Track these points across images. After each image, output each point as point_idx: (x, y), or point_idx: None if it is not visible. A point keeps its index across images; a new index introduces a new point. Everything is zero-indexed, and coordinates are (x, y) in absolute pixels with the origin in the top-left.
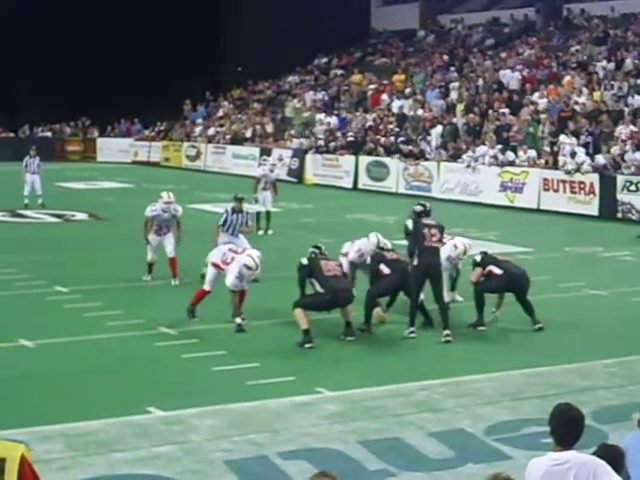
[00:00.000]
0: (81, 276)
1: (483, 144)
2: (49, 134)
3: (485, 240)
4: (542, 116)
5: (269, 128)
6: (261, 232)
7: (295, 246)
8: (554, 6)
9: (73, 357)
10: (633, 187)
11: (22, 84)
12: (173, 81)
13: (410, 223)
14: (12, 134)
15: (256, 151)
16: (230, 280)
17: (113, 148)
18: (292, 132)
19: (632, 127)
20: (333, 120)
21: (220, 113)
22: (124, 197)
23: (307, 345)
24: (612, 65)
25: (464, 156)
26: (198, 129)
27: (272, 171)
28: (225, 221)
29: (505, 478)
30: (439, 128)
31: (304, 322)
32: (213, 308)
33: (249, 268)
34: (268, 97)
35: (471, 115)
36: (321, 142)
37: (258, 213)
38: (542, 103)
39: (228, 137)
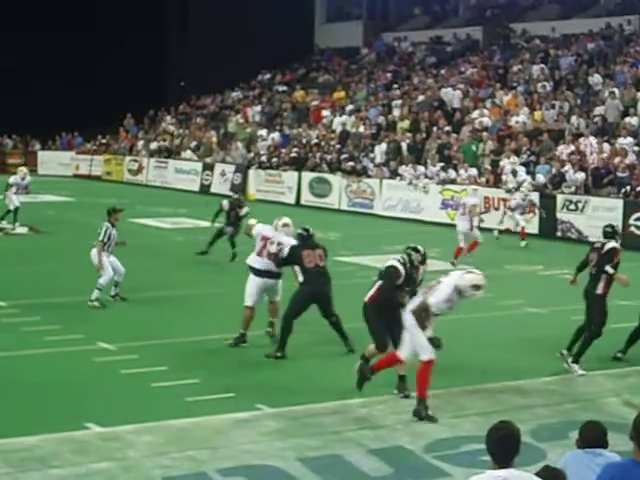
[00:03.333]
0: (20, 290)
1: (425, 162)
2: None
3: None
4: (484, 134)
5: (214, 142)
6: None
7: (237, 262)
8: (498, 25)
9: (10, 372)
10: (572, 206)
11: None
12: (115, 94)
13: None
14: None
15: (198, 166)
16: (437, 300)
17: (54, 161)
18: (233, 147)
19: (572, 147)
20: (276, 136)
21: (162, 127)
22: (65, 211)
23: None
24: (552, 85)
25: (405, 174)
26: (140, 143)
27: (23, 179)
28: (109, 237)
29: None
30: (383, 146)
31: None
32: (153, 324)
33: (477, 288)
34: (211, 112)
35: (412, 133)
36: (263, 158)
37: (9, 211)
38: (482, 122)
39: (170, 151)
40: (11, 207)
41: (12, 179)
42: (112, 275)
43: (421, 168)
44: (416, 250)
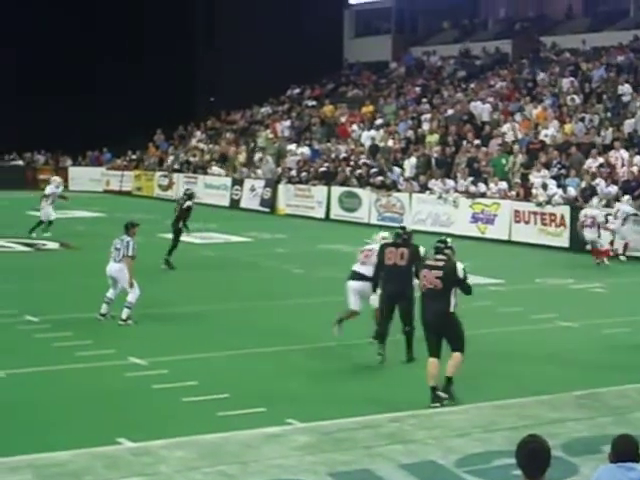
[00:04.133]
0: (52, 305)
1: (455, 176)
2: (21, 162)
3: None
4: (515, 147)
5: (242, 158)
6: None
7: (267, 277)
8: (528, 39)
9: (43, 387)
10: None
11: None
12: (145, 110)
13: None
14: None
15: (228, 181)
16: None
17: (85, 177)
18: (261, 161)
19: (600, 160)
20: (305, 150)
21: (193, 143)
22: (95, 226)
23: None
24: (582, 98)
25: (435, 187)
26: (170, 159)
27: (58, 187)
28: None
29: None
30: (413, 160)
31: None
32: (184, 339)
33: None
34: (241, 127)
35: (441, 147)
36: (293, 172)
37: (45, 222)
38: (511, 135)
39: (199, 166)
40: (44, 218)
41: (48, 189)
42: (139, 293)
43: (451, 182)
44: (445, 241)
